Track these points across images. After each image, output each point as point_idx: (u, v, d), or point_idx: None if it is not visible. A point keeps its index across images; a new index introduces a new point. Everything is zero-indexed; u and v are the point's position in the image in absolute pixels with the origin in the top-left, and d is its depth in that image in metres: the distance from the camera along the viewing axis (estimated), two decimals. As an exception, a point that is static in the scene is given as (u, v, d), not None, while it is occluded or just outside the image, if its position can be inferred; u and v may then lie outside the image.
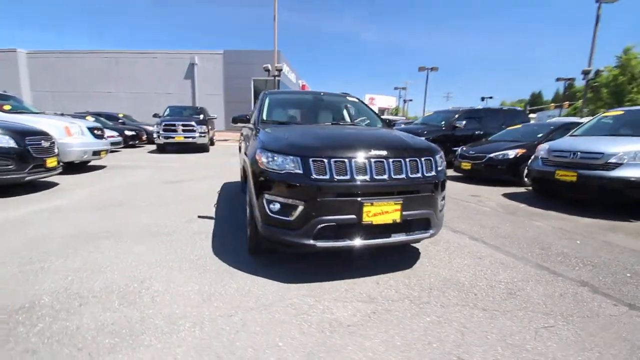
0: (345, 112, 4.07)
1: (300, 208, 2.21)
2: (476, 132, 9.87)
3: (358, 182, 2.24)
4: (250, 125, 3.44)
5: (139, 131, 13.80)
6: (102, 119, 12.77)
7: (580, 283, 2.48)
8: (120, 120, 14.07)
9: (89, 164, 7.89)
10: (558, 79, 29.46)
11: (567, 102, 49.04)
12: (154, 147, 13.24)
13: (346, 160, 2.26)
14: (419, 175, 2.41)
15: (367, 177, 2.26)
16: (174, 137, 11.58)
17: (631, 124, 5.24)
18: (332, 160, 2.25)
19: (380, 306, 2.09)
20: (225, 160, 10.30)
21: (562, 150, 4.95)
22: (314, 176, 2.21)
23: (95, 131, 7.22)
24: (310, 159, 2.24)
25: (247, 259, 2.76)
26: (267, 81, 20.81)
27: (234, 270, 2.56)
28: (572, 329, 1.91)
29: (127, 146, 12.87)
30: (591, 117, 6.90)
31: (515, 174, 6.81)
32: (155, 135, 11.70)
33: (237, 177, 6.85)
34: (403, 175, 2.36)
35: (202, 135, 11.91)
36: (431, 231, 2.51)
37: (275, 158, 2.34)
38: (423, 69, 28.42)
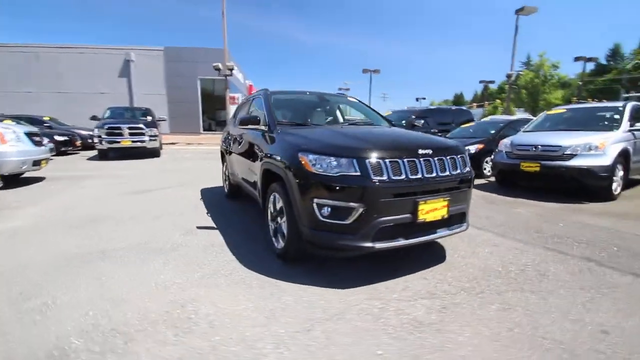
0: (353, 112, 4.05)
1: (360, 210, 2.16)
2: (431, 130, 10.64)
3: (413, 181, 2.26)
4: (262, 127, 3.23)
5: (71, 136, 12.07)
6: (23, 123, 10.87)
7: (587, 259, 2.83)
8: (46, 124, 12.14)
9: (23, 176, 6.68)
10: (481, 81, 33.35)
11: (486, 102, 55.43)
12: (91, 153, 11.73)
13: (399, 160, 2.27)
14: (458, 171, 2.52)
15: (419, 176, 2.30)
16: (119, 142, 10.37)
17: (573, 120, 6.12)
18: (388, 160, 2.23)
19: (446, 300, 2.14)
20: (188, 165, 9.57)
21: (525, 145, 5.58)
22: (373, 177, 2.17)
23: (34, 137, 6.14)
24: (367, 160, 2.20)
25: (281, 268, 2.61)
26: (215, 80, 19.78)
27: (277, 281, 2.40)
28: (608, 298, 2.17)
29: (58, 153, 11.17)
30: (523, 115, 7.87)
31: (476, 167, 7.49)
32: (95, 141, 10.35)
33: (212, 182, 6.42)
34: (447, 172, 2.44)
35: (153, 138, 10.87)
36: (465, 224, 2.65)
37: (327, 160, 2.24)
38: (367, 71, 29.71)
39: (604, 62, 43.92)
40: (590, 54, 22.57)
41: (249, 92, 30.40)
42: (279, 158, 2.65)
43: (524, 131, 6.58)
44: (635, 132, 5.39)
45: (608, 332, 1.81)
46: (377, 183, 2.16)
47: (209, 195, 5.34)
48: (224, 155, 5.30)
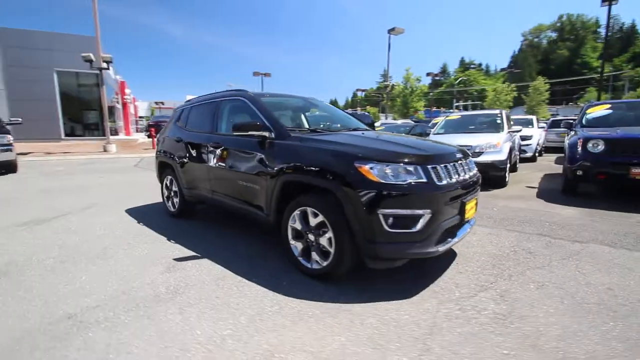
0: (347, 118, 3.89)
1: (427, 217, 2.16)
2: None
3: (459, 184, 2.41)
4: (264, 134, 2.83)
5: None
6: None
7: (541, 235, 3.55)
8: None
9: None
10: (357, 90, 37.73)
11: (358, 107, 62.88)
12: None
13: (448, 164, 2.38)
14: (475, 171, 2.82)
15: (462, 178, 2.46)
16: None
17: (468, 124, 7.58)
18: (442, 165, 2.31)
19: (496, 289, 2.36)
20: (74, 182, 7.45)
21: (445, 145, 6.61)
22: (437, 183, 2.21)
23: None
24: (429, 167, 2.22)
25: (326, 290, 2.37)
26: (79, 74, 15.94)
27: (340, 305, 2.17)
28: (584, 262, 2.79)
29: None
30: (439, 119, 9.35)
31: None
32: None
33: (133, 201, 5.24)
34: (473, 172, 2.70)
35: (6, 148, 8.06)
36: (474, 219, 2.98)
37: (391, 169, 2.16)
38: (257, 73, 29.37)
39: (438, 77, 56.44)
40: (429, 69, 28.50)
41: (121, 90, 25.81)
42: (318, 169, 2.39)
43: (434, 134, 7.76)
44: (512, 133, 7.09)
45: (612, 289, 2.36)
46: (441, 188, 2.22)
47: (147, 218, 4.33)
48: (166, 166, 4.40)
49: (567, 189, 5.46)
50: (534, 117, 12.23)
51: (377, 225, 2.14)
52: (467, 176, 2.55)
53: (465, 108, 52.75)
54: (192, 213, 4.31)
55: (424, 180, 2.18)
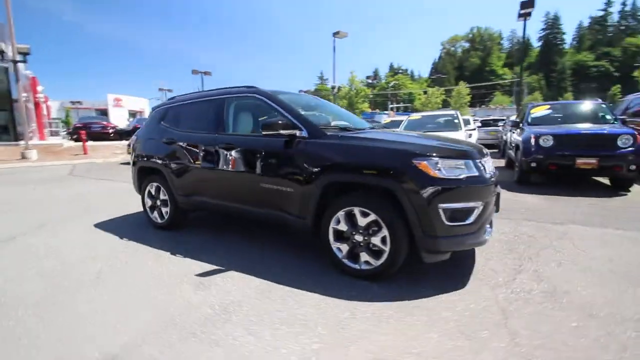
0: (354, 117, 3.82)
1: (480, 209, 2.28)
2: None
3: (493, 176, 2.58)
4: (292, 133, 2.68)
5: None
6: None
7: (527, 220, 4.00)
8: None
9: None
10: (300, 91, 38.02)
11: None
12: None
13: (484, 159, 2.54)
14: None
15: (492, 171, 2.65)
16: None
17: (429, 123, 8.17)
18: (483, 160, 2.45)
19: (529, 269, 2.59)
20: (1, 193, 6.11)
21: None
22: (486, 176, 2.34)
23: None
24: (477, 161, 2.34)
25: (381, 289, 2.34)
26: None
27: (401, 303, 2.17)
28: (579, 241, 3.24)
29: None
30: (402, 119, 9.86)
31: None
32: None
33: (101, 214, 4.55)
34: (493, 166, 2.93)
35: None
36: None
37: (449, 164, 2.23)
38: (196, 72, 27.61)
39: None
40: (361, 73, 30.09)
41: (32, 88, 21.92)
42: (372, 167, 2.35)
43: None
44: (468, 131, 7.83)
45: (613, 260, 2.77)
46: (488, 181, 2.36)
47: (128, 232, 3.76)
48: (149, 172, 3.90)
49: (522, 179, 6.21)
50: (470, 117, 13.68)
51: (438, 220, 2.19)
52: (493, 169, 2.76)
53: (398, 110, 56.92)
54: (184, 223, 3.88)
55: (476, 174, 2.30)
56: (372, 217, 2.36)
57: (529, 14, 14.41)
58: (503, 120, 14.59)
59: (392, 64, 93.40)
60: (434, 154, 2.26)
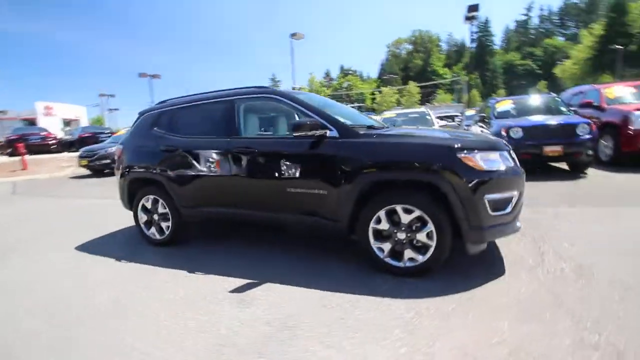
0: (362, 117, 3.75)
1: (515, 198, 2.40)
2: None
3: (516, 167, 2.73)
4: (324, 133, 2.60)
5: None
6: None
7: (543, 206, 4.31)
8: None
9: None
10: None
11: None
12: None
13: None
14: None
15: None
16: None
17: (404, 121, 8.47)
18: (510, 151, 2.58)
19: (563, 252, 2.75)
20: None
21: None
22: (517, 165, 2.46)
23: None
24: (509, 152, 2.45)
25: (418, 286, 2.36)
26: None
27: (454, 297, 2.20)
28: (600, 219, 3.56)
29: None
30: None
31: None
32: None
33: (58, 237, 4.03)
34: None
35: None
36: None
37: (492, 156, 2.32)
38: (144, 75, 25.68)
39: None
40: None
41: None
42: (417, 164, 2.35)
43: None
44: (442, 128, 8.26)
45: (612, 235, 3.07)
46: (520, 170, 2.48)
47: (123, 253, 3.37)
48: (144, 184, 3.53)
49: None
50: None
51: (484, 211, 2.26)
52: None
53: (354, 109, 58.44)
54: (187, 236, 3.57)
55: (511, 164, 2.41)
56: (416, 213, 2.36)
57: (474, 17, 15.64)
58: (458, 115, 15.69)
59: (343, 66, 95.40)
60: (476, 147, 2.33)
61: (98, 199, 6.67)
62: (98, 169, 9.85)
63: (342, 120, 2.73)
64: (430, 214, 2.33)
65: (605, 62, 38.42)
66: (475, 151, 2.30)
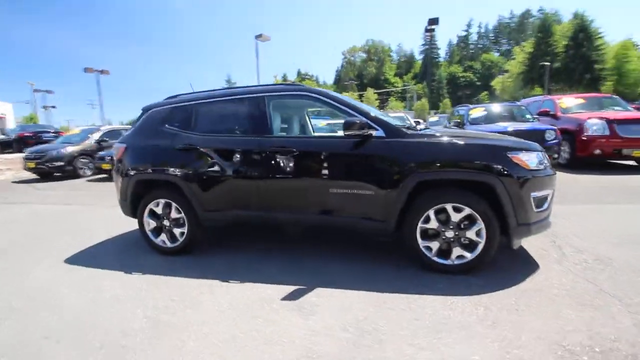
0: None
1: (551, 195, 2.58)
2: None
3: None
4: (370, 132, 2.57)
5: None
6: None
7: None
8: None
9: None
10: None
11: None
12: None
13: None
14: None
15: None
16: None
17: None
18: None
19: (585, 246, 3.03)
20: None
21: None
22: (550, 166, 2.65)
23: None
24: (543, 153, 2.64)
25: (471, 283, 2.45)
26: None
27: (508, 291, 2.31)
28: (610, 214, 3.93)
29: None
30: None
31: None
32: None
33: (73, 244, 3.52)
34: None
35: None
36: None
37: (533, 156, 2.46)
38: (90, 70, 23.19)
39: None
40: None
41: None
42: (472, 164, 2.42)
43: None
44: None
45: (610, 228, 3.44)
46: (554, 170, 2.68)
47: (126, 263, 2.99)
48: (152, 187, 3.19)
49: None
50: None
51: (530, 208, 2.40)
52: None
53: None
54: (199, 241, 3.28)
55: (548, 164, 2.60)
56: (466, 211, 2.43)
57: (433, 30, 16.71)
58: (420, 122, 16.56)
59: (300, 70, 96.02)
60: (522, 148, 2.46)
61: (62, 205, 5.88)
62: (48, 171, 8.68)
63: (386, 120, 2.72)
64: (480, 212, 2.41)
65: (535, 77, 43.49)
66: (522, 151, 2.44)
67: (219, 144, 2.96)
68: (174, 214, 3.11)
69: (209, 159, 2.96)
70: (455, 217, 2.47)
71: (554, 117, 7.90)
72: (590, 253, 2.82)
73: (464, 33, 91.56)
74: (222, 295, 2.40)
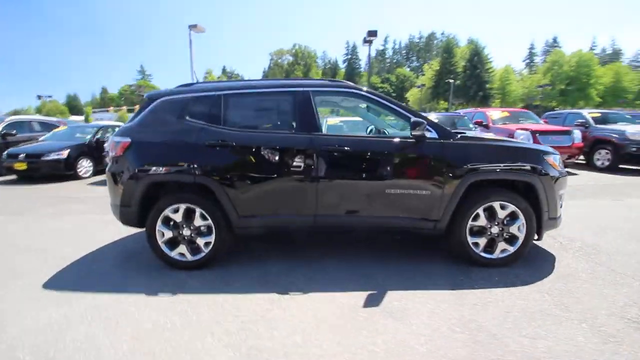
0: None
1: (565, 193, 3.00)
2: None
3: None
4: (424, 134, 2.63)
5: None
6: None
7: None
8: None
9: None
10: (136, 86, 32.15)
11: (111, 107, 53.53)
12: None
13: None
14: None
15: None
16: None
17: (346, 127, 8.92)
18: None
19: (593, 244, 3.55)
20: None
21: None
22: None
23: None
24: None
25: (509, 276, 2.72)
26: None
27: (540, 285, 2.62)
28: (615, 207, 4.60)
29: None
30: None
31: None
32: None
33: (64, 257, 2.73)
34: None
35: None
36: None
37: (557, 158, 2.82)
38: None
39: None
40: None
41: None
42: (518, 165, 2.65)
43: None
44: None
45: (609, 223, 4.15)
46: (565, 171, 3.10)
47: (135, 281, 2.46)
48: (167, 190, 2.70)
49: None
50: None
51: (558, 204, 2.76)
52: None
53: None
54: (225, 252, 2.88)
55: (563, 166, 3.01)
56: (510, 208, 2.67)
57: (371, 41, 17.81)
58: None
59: (225, 67, 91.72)
60: (550, 152, 2.82)
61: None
62: None
63: (437, 122, 2.81)
64: (522, 209, 2.67)
65: (441, 92, 50.00)
66: (554, 155, 2.79)
67: (259, 141, 2.65)
68: (198, 221, 2.67)
69: (249, 157, 2.63)
70: (502, 214, 2.69)
71: (486, 127, 9.17)
72: (597, 248, 3.15)
73: (382, 47, 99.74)
74: (293, 309, 2.16)
